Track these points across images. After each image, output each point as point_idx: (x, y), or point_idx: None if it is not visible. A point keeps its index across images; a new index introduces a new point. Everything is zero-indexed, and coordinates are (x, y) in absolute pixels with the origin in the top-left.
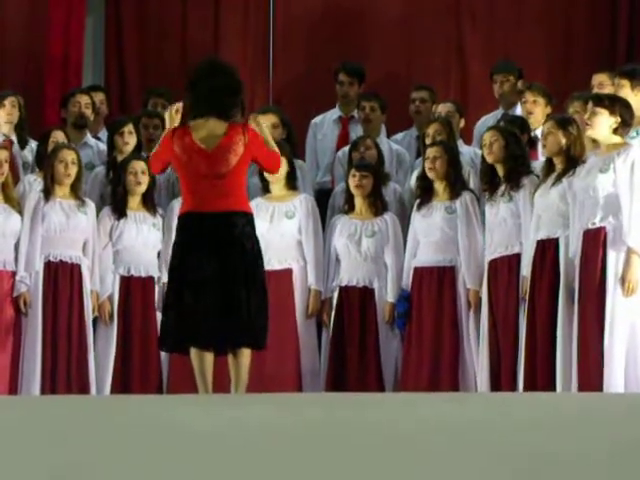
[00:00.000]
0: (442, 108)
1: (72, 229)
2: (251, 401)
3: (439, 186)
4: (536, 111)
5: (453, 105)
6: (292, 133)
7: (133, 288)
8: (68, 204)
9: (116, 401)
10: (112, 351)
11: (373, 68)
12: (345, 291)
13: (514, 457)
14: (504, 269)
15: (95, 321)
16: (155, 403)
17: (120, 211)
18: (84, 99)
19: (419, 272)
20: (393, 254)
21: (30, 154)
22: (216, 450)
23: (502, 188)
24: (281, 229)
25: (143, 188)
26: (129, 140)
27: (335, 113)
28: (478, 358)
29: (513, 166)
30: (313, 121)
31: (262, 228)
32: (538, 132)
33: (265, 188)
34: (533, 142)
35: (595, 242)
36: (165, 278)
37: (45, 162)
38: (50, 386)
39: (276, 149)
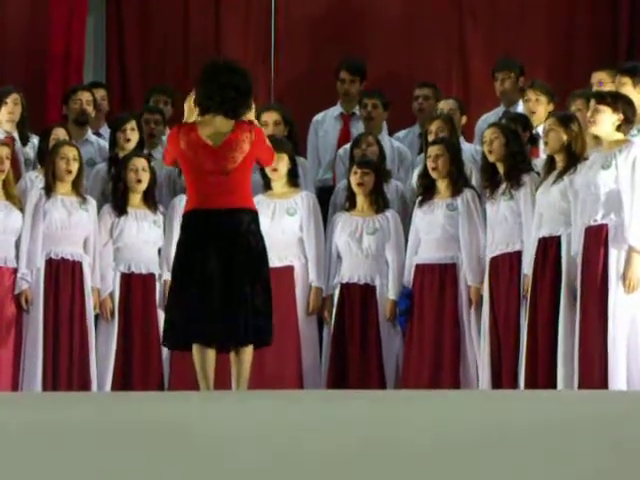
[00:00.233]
0: (444, 105)
1: (73, 226)
2: (252, 398)
3: (441, 184)
4: (538, 109)
5: (455, 102)
6: (294, 130)
7: (134, 285)
8: (69, 201)
9: (117, 398)
10: (113, 348)
11: (374, 65)
12: (346, 288)
13: (514, 455)
14: (505, 266)
15: (96, 318)
16: (156, 400)
17: (121, 208)
18: (85, 96)
19: (420, 269)
20: (394, 251)
21: (32, 151)
22: (218, 447)
23: (503, 186)
24: (282, 226)
25: (144, 185)
26: (131, 137)
27: (336, 110)
28: (479, 355)
29: (513, 164)
30: (314, 118)
31: (263, 225)
32: (540, 129)
33: (266, 185)
34: (535, 139)
35: (597, 239)
36: (166, 275)
37: (46, 159)
38: (51, 383)
39: (269, 143)
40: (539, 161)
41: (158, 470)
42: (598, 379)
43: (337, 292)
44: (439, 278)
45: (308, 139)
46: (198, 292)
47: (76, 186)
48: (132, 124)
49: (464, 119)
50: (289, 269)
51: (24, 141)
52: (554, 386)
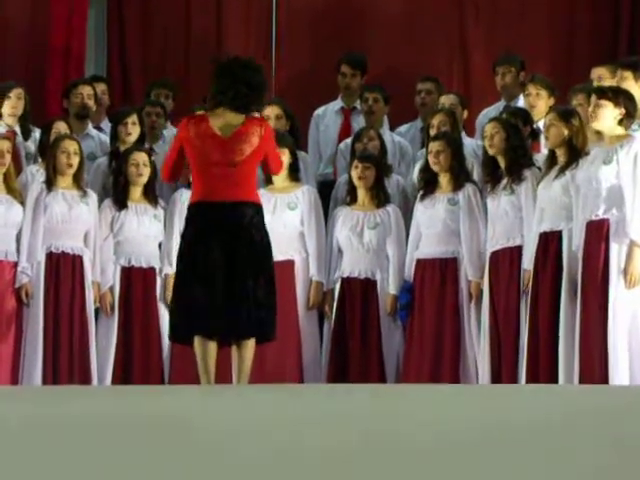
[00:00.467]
0: (445, 100)
1: (74, 220)
2: (253, 392)
3: (442, 178)
4: (539, 103)
5: (456, 97)
6: (295, 125)
7: (134, 279)
8: (70, 194)
9: (117, 391)
10: (113, 342)
11: (376, 60)
12: (347, 283)
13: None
14: (505, 261)
15: (96, 312)
16: (156, 394)
17: (121, 202)
18: (87, 90)
19: (421, 264)
20: (395, 246)
21: (33, 145)
22: (218, 441)
23: (504, 181)
24: (283, 220)
25: (144, 179)
26: (132, 131)
27: (337, 104)
28: (479, 350)
29: (514, 158)
30: (315, 112)
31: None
32: (541, 124)
33: (268, 179)
34: (536, 134)
35: (598, 234)
36: (167, 269)
37: (47, 153)
38: (52, 377)
39: (278, 152)
40: (540, 156)
41: (159, 464)
42: (599, 374)
43: (338, 286)
44: (440, 273)
45: (309, 133)
46: (201, 285)
47: (77, 180)
48: (133, 118)
49: (465, 114)
50: (290, 263)
51: (26, 135)
52: (555, 381)
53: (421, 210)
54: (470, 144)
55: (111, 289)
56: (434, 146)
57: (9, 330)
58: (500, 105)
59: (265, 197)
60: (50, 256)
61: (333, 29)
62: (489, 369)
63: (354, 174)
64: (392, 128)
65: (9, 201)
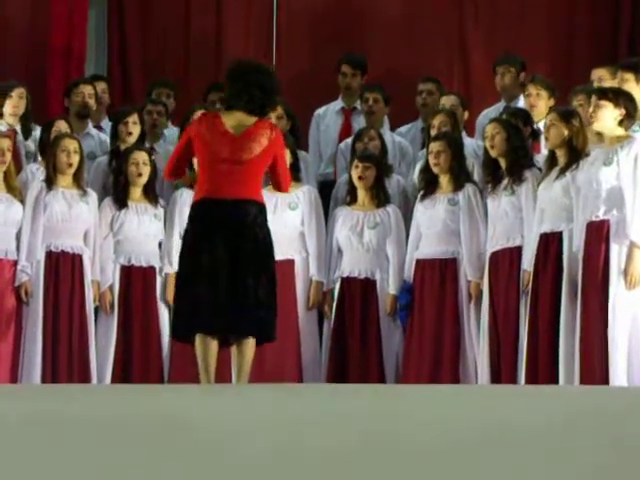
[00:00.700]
0: (446, 101)
1: (74, 219)
2: (252, 391)
3: (443, 179)
4: (539, 103)
5: (457, 98)
6: (296, 124)
7: (134, 278)
8: (70, 193)
9: (117, 390)
10: (113, 340)
11: (376, 62)
12: (347, 283)
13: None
14: (505, 261)
15: (96, 311)
16: (156, 392)
17: (121, 201)
18: (88, 89)
19: (421, 264)
20: (395, 246)
21: (33, 144)
22: (218, 440)
23: (505, 181)
24: (284, 220)
25: (144, 179)
26: (133, 130)
27: (338, 104)
28: (478, 351)
29: (515, 159)
30: (316, 112)
31: None
32: (541, 125)
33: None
34: (536, 134)
35: (598, 235)
36: (167, 268)
37: (47, 151)
38: (51, 375)
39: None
40: (540, 157)
41: (158, 463)
42: (599, 375)
43: (337, 286)
44: (439, 273)
45: (309, 133)
46: (205, 283)
47: (77, 179)
48: (134, 117)
49: (466, 115)
50: (290, 263)
51: (26, 134)
52: (554, 382)
53: (421, 210)
54: (470, 144)
55: (111, 288)
56: (435, 146)
57: (9, 328)
58: (500, 106)
59: (266, 197)
60: (50, 255)
61: (333, 30)
62: (488, 369)
63: (354, 174)
64: (393, 128)
65: (9, 200)
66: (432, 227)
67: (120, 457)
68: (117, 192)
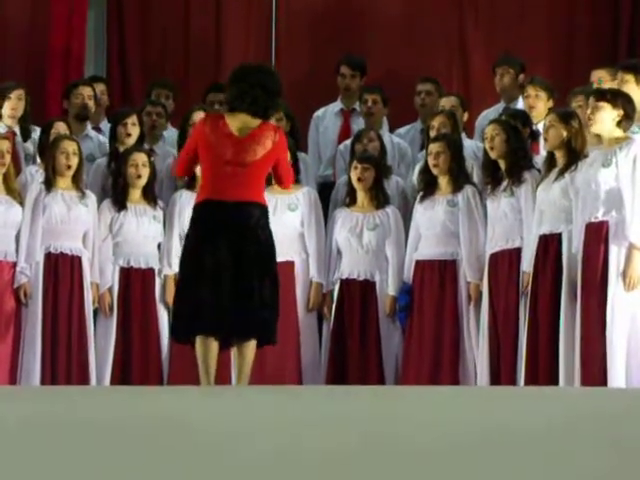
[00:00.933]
0: (446, 102)
1: (73, 221)
2: (252, 393)
3: (442, 180)
4: (538, 104)
5: (457, 99)
6: (296, 126)
7: (133, 280)
8: (69, 195)
9: (116, 392)
10: (112, 342)
11: (375, 62)
12: (346, 284)
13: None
14: (504, 263)
15: (95, 313)
16: (155, 394)
17: (120, 203)
18: (87, 91)
19: (420, 265)
20: (394, 247)
21: (32, 146)
22: (217, 442)
23: (504, 183)
24: (283, 222)
25: (144, 181)
26: (132, 131)
27: (337, 106)
28: (477, 352)
29: (515, 160)
30: (315, 114)
31: None
32: (540, 126)
33: (268, 181)
34: (535, 136)
35: (597, 236)
36: (166, 270)
37: (46, 153)
38: (50, 377)
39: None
40: (539, 158)
41: (157, 464)
42: (599, 376)
43: (337, 288)
44: (439, 274)
45: (309, 135)
46: (208, 285)
47: (76, 181)
48: (133, 119)
49: (466, 116)
50: (290, 264)
51: (25, 136)
52: (554, 383)
53: (420, 212)
54: (470, 146)
55: (110, 290)
56: (434, 147)
57: (7, 330)
58: (499, 107)
59: (265, 198)
60: (49, 257)
61: (333, 31)
62: (488, 371)
63: (353, 175)
64: (392, 130)
65: (8, 201)
66: (431, 228)
67: (119, 459)
68: (116, 194)
